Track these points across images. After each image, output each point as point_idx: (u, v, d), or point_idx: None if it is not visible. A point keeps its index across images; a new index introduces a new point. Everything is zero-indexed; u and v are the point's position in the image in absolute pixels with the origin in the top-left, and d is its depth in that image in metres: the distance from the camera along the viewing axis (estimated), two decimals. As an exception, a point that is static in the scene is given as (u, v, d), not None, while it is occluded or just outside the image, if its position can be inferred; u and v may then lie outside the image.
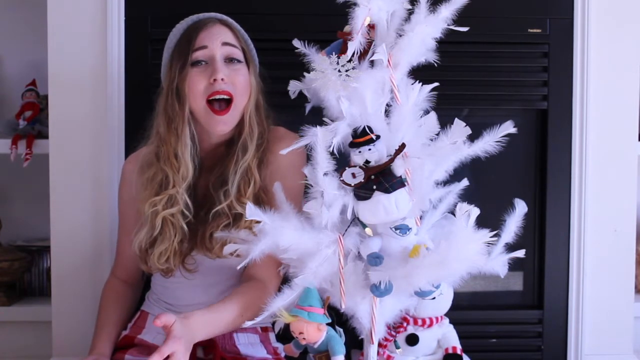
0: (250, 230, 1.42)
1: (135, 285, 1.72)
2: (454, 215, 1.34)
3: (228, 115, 1.52)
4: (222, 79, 1.49)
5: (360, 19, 1.37)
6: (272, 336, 1.63)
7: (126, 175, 1.66)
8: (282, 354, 1.62)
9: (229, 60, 1.53)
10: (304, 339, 1.36)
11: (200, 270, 1.55)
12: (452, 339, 1.62)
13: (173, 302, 1.60)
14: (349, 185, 1.35)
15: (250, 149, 1.53)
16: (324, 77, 1.35)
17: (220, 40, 1.53)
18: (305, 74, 1.43)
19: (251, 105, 1.55)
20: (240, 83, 1.53)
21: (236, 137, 1.55)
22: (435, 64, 1.41)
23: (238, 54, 1.55)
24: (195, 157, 1.56)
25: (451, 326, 1.64)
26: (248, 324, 1.38)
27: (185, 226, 1.52)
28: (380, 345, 1.52)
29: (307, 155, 1.38)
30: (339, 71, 1.34)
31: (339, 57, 1.35)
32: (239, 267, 1.40)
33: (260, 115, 1.57)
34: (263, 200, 1.52)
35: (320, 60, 1.37)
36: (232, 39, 1.55)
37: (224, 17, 1.59)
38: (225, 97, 1.51)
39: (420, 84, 1.39)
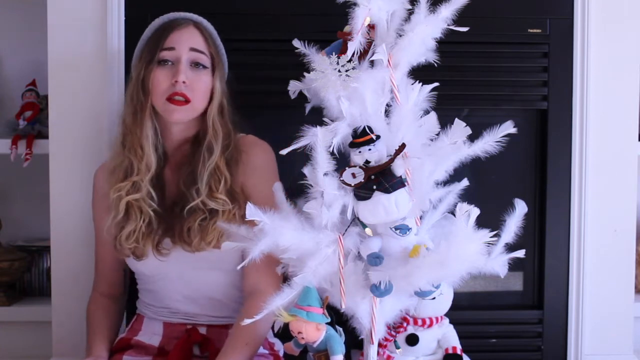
0: (229, 221, 1.47)
1: (118, 299, 1.72)
2: (454, 215, 1.34)
3: (184, 107, 1.54)
4: (183, 82, 1.52)
5: (360, 19, 1.37)
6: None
7: (96, 185, 1.66)
8: (280, 351, 1.63)
9: (195, 64, 1.56)
10: (302, 338, 1.36)
11: (177, 262, 1.55)
12: (452, 339, 1.62)
13: (158, 304, 1.63)
14: (349, 185, 1.35)
15: (216, 150, 1.55)
16: (324, 77, 1.35)
17: (189, 45, 1.55)
18: (305, 74, 1.43)
19: (214, 109, 1.57)
20: (200, 88, 1.55)
21: (201, 137, 1.58)
22: (435, 64, 1.41)
23: (204, 59, 1.57)
24: (159, 148, 1.59)
25: (451, 326, 1.64)
26: (247, 321, 1.37)
27: (151, 212, 1.55)
28: (380, 345, 1.51)
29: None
30: (339, 71, 1.34)
31: (339, 57, 1.35)
32: (238, 267, 1.40)
33: (224, 118, 1.59)
34: (237, 195, 1.55)
35: (320, 60, 1.37)
36: (202, 45, 1.57)
37: (200, 19, 1.61)
38: (182, 99, 1.53)
39: (420, 84, 1.39)
